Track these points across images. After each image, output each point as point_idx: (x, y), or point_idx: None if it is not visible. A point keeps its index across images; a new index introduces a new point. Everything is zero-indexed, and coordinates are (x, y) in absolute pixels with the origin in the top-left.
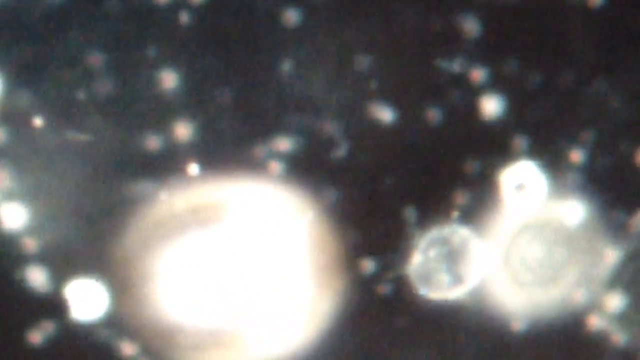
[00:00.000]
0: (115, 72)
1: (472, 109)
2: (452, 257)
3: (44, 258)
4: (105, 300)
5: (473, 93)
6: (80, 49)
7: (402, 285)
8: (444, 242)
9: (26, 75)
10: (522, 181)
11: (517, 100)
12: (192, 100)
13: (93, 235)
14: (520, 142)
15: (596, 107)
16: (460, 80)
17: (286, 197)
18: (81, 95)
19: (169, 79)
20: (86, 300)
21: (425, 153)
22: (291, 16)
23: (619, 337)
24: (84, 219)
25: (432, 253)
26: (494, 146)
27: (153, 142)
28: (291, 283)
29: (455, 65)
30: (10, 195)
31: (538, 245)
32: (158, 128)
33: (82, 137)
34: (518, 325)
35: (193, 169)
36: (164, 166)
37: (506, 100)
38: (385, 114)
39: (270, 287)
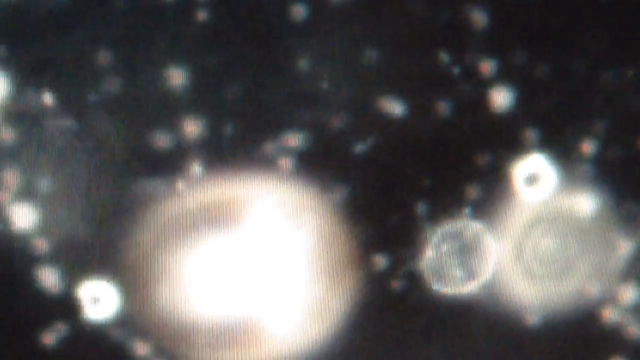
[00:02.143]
0: (124, 70)
1: (481, 102)
2: (465, 251)
3: (55, 258)
4: (118, 300)
5: (482, 85)
6: (88, 47)
7: (414, 281)
8: (456, 236)
9: (34, 74)
10: (533, 174)
11: (527, 91)
12: (201, 97)
13: (104, 235)
14: (531, 134)
15: (608, 98)
16: (470, 73)
17: (297, 194)
18: (90, 94)
19: (177, 76)
20: (98, 300)
21: (435, 147)
22: (299, 11)
23: (635, 330)
24: (95, 218)
25: (445, 248)
26: (504, 139)
27: (162, 140)
28: (303, 280)
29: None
30: (20, 196)
31: (551, 238)
32: (167, 126)
33: (92, 137)
34: (532, 318)
35: (198, 169)
36: (174, 164)
37: (516, 92)
38: (394, 108)
39: (282, 284)
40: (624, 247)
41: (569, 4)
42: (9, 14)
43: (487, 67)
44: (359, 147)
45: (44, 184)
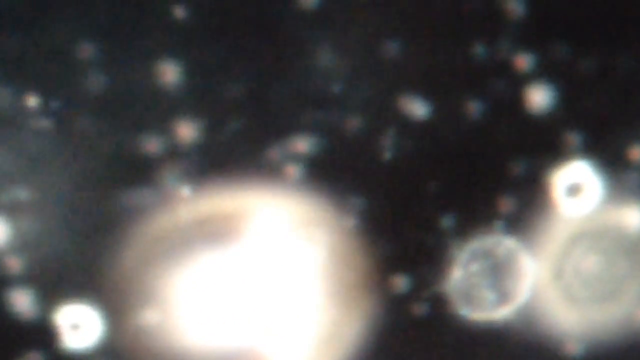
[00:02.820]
0: (108, 65)
1: (517, 101)
2: (497, 271)
3: (30, 279)
4: (100, 326)
5: (518, 82)
6: (68, 40)
7: (439, 305)
8: (487, 254)
9: (7, 70)
10: (575, 183)
11: (569, 90)
12: (196, 96)
13: (85, 253)
14: (573, 138)
15: None
16: (504, 68)
17: (305, 206)
18: (70, 92)
19: (169, 72)
20: (78, 326)
21: (464, 152)
22: None
23: None
24: (75, 234)
25: (474, 267)
26: (542, 143)
27: (152, 145)
28: (313, 304)
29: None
30: None
31: (595, 257)
32: (158, 128)
33: (72, 140)
34: (573, 348)
35: (193, 178)
36: (165, 172)
37: (556, 90)
38: (417, 109)
39: (290, 309)
40: None
41: None
42: None
43: (524, 61)
44: (377, 153)
45: (18, 195)
